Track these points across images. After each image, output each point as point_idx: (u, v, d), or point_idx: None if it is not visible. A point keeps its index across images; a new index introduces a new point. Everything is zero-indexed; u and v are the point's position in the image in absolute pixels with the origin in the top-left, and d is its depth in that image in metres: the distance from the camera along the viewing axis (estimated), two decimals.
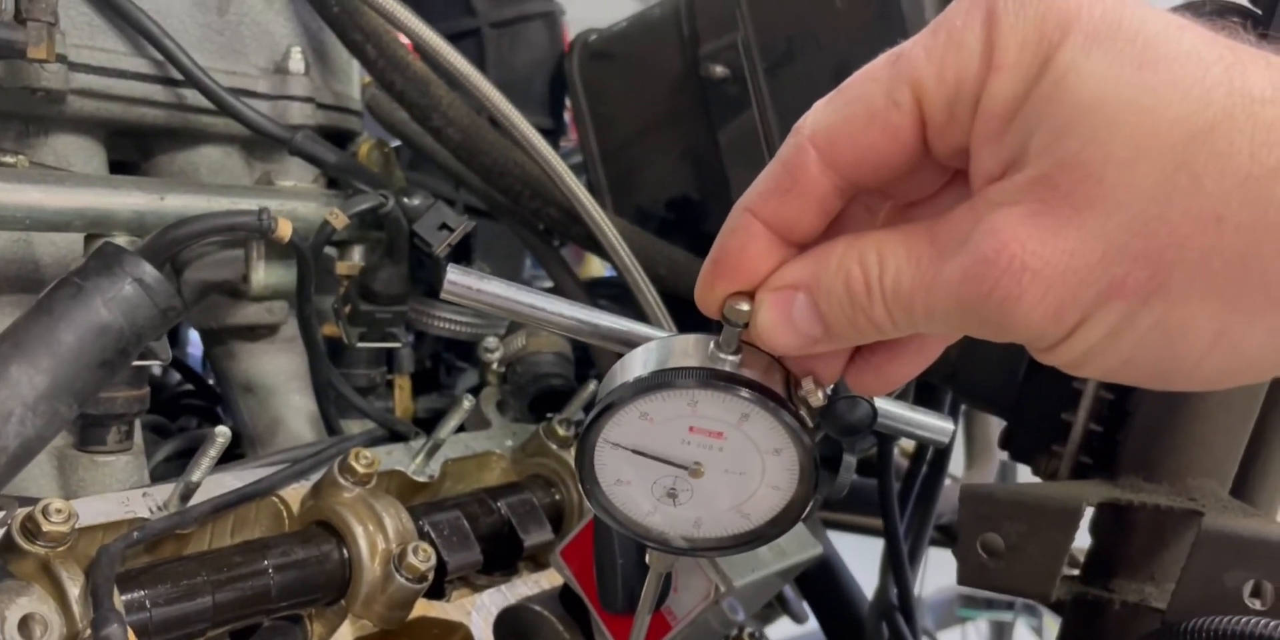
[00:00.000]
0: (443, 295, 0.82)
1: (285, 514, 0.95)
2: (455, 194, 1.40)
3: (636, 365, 0.71)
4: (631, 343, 0.83)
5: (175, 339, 1.64)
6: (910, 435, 0.91)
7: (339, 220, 0.98)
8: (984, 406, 1.32)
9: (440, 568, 0.98)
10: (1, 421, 0.58)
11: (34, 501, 0.70)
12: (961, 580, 0.92)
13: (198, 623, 0.81)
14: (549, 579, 1.07)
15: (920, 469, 1.53)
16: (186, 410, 1.46)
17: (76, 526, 0.73)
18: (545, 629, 1.05)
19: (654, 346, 0.73)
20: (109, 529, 0.83)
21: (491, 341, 1.23)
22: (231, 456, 1.19)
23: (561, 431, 1.17)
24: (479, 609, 0.99)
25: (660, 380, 0.68)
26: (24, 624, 0.66)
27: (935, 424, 0.88)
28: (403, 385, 1.35)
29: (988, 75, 0.45)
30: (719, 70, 1.26)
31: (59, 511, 0.72)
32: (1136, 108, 0.42)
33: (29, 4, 0.79)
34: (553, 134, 1.46)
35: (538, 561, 1.12)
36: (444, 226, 1.05)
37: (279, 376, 1.15)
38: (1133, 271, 0.43)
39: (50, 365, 0.59)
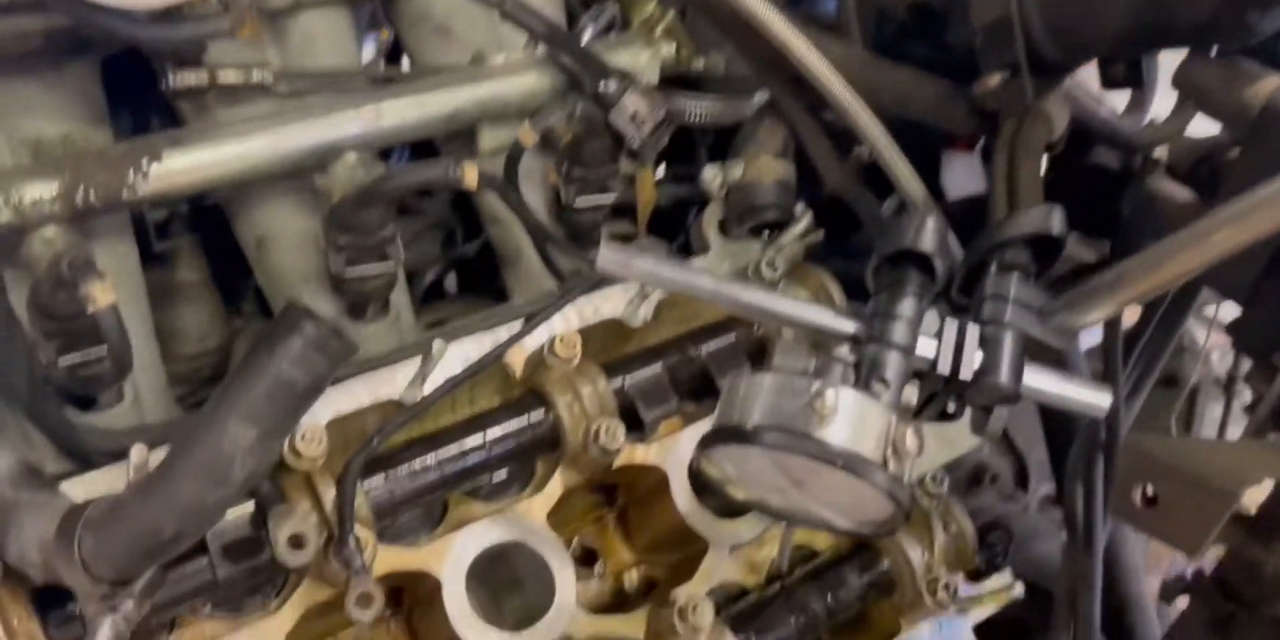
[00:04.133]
0: (596, 269, 0.89)
1: (510, 377, 1.13)
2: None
3: (753, 404, 0.79)
4: (774, 318, 0.88)
5: None
6: (1062, 408, 0.92)
7: (528, 138, 1.02)
8: (1219, 290, 1.22)
9: (638, 422, 1.15)
10: (228, 464, 0.76)
11: None
12: (1113, 510, 0.97)
13: (428, 494, 1.03)
14: None
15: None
16: None
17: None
18: None
19: (768, 387, 0.79)
20: (367, 413, 1.05)
21: (710, 172, 1.26)
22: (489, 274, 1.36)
23: (768, 273, 1.23)
24: (675, 452, 1.15)
25: (765, 440, 0.76)
26: (292, 541, 0.90)
27: (1088, 400, 0.89)
28: (645, 177, 1.42)
29: None
30: None
31: (313, 437, 0.92)
32: None
33: None
34: None
35: None
36: (635, 116, 1.07)
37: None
38: None
39: (255, 417, 0.76)
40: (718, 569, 1.13)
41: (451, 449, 1.04)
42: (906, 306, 0.84)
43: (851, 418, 0.75)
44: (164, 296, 1.24)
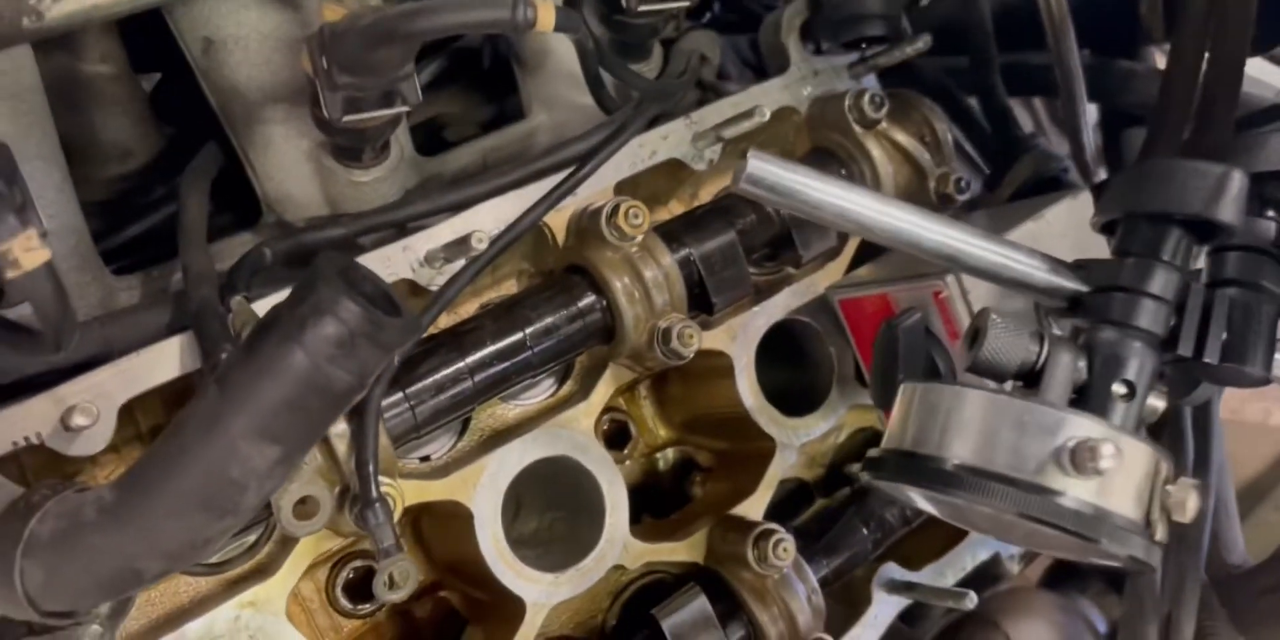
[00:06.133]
0: (736, 188, 0.64)
1: (550, 240, 0.88)
2: None
3: (962, 431, 0.58)
4: (961, 264, 0.66)
5: None
6: None
7: None
8: None
9: (708, 306, 0.92)
10: (237, 492, 0.53)
11: None
12: None
13: (460, 408, 0.81)
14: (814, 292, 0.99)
15: None
16: None
17: None
18: (812, 337, 1.01)
19: (988, 410, 0.58)
20: None
21: None
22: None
23: (871, 112, 0.96)
24: (744, 335, 0.94)
25: (987, 495, 0.56)
26: (300, 507, 0.69)
27: None
28: None
29: None
30: None
31: None
32: None
33: None
34: None
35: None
36: None
37: None
38: None
39: (277, 433, 0.52)
40: (781, 471, 0.97)
41: (485, 351, 0.82)
42: (1160, 282, 0.62)
43: (1113, 470, 0.55)
44: (67, 98, 0.92)
